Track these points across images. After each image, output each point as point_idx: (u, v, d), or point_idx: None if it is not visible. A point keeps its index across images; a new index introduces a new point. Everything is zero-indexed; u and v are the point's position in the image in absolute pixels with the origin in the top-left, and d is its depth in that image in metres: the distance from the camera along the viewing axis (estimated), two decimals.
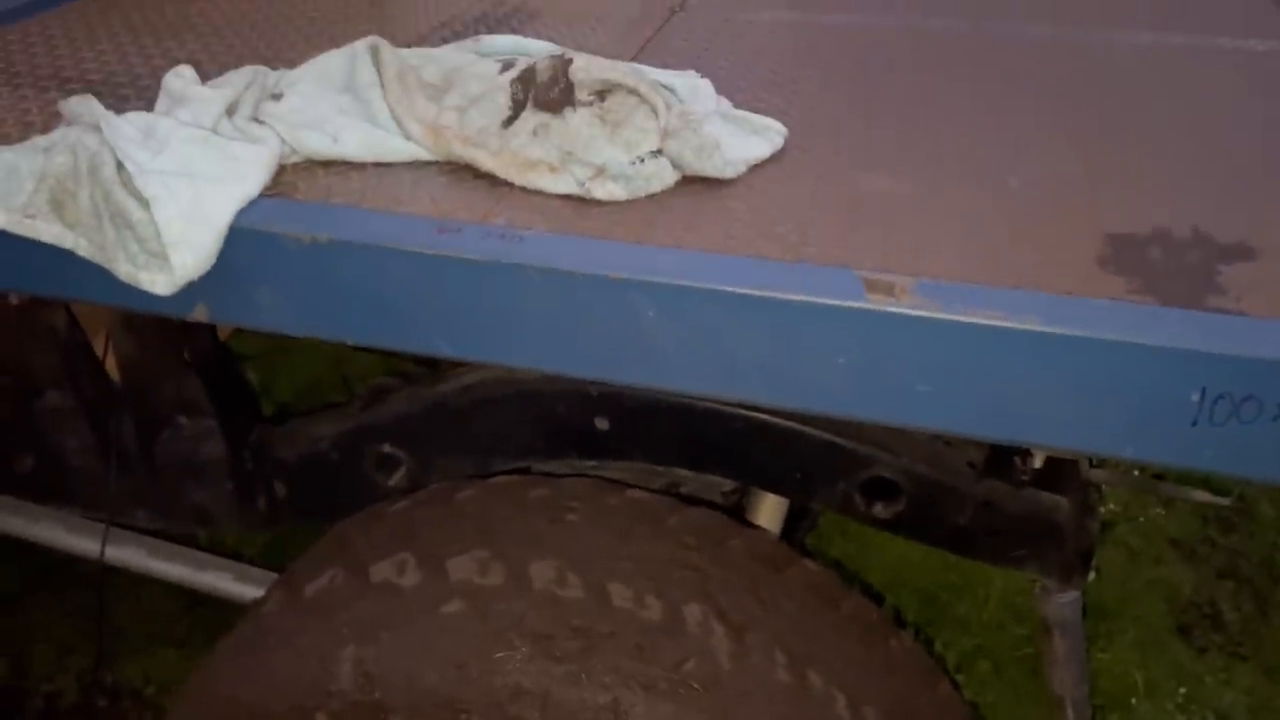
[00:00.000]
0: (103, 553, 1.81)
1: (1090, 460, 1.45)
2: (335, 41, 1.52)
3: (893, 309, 0.87)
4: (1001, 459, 1.40)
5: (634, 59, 1.51)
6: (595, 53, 1.50)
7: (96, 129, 1.03)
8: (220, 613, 2.34)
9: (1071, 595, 1.60)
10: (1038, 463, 1.38)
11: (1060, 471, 1.40)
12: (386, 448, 1.59)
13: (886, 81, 1.44)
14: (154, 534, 1.85)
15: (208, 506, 1.75)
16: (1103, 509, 1.51)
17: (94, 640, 2.27)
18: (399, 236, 0.98)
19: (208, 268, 0.98)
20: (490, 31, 1.62)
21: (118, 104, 1.31)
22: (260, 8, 1.68)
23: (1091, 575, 1.54)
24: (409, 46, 1.48)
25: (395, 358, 2.29)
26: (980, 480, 1.40)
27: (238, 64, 1.42)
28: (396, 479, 1.60)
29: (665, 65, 1.39)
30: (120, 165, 0.99)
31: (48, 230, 1.01)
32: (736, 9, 1.73)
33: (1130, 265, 0.97)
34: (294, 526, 1.87)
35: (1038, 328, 0.85)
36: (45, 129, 1.22)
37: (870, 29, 1.66)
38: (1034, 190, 1.11)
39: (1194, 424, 0.84)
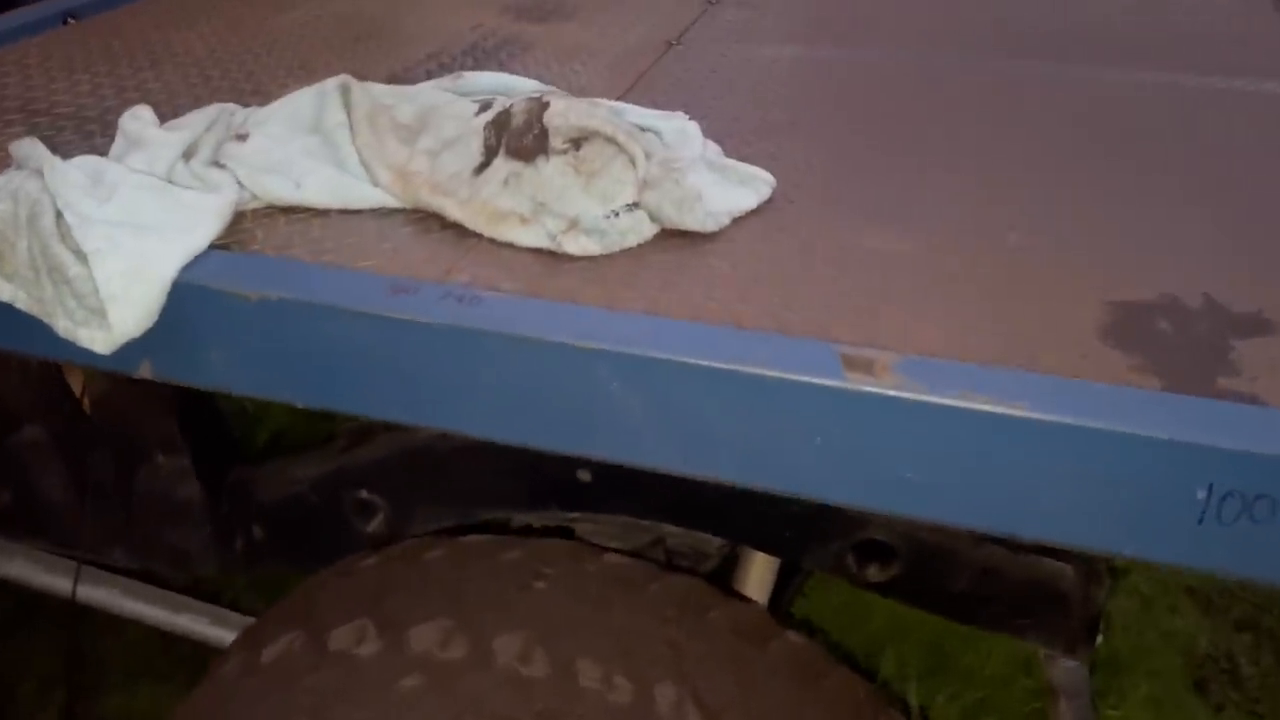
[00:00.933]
0: (74, 593, 1.76)
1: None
2: (316, 74, 1.47)
3: (872, 389, 0.81)
4: None
5: (625, 95, 1.45)
6: (586, 88, 1.45)
7: (40, 174, 0.98)
8: (205, 649, 2.30)
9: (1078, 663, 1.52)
10: None
11: None
12: (364, 494, 1.53)
13: (885, 125, 1.37)
14: (131, 574, 1.80)
15: (185, 547, 1.70)
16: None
17: (79, 674, 2.22)
18: (351, 296, 0.92)
19: (149, 325, 0.93)
20: (479, 65, 1.57)
21: (82, 139, 1.27)
22: (244, 38, 1.63)
23: (1099, 639, 1.46)
24: (394, 78, 1.44)
25: None
26: (980, 545, 1.33)
27: (215, 97, 1.38)
28: (375, 525, 1.54)
29: (655, 103, 1.33)
30: (60, 215, 0.94)
31: None
32: (733, 44, 1.67)
33: (1134, 337, 0.90)
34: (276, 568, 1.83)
35: (1029, 414, 0.78)
36: (2, 166, 1.17)
37: (872, 65, 1.59)
38: (1034, 248, 1.05)
39: (1200, 522, 0.77)
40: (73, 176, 0.98)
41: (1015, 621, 1.40)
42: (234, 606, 1.89)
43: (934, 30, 1.77)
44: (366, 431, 1.62)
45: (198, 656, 2.28)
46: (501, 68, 1.53)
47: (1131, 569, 2.61)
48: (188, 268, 0.95)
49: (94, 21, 1.68)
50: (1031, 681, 2.25)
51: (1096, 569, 1.39)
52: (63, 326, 0.94)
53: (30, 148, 1.02)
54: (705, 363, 0.84)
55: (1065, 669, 1.57)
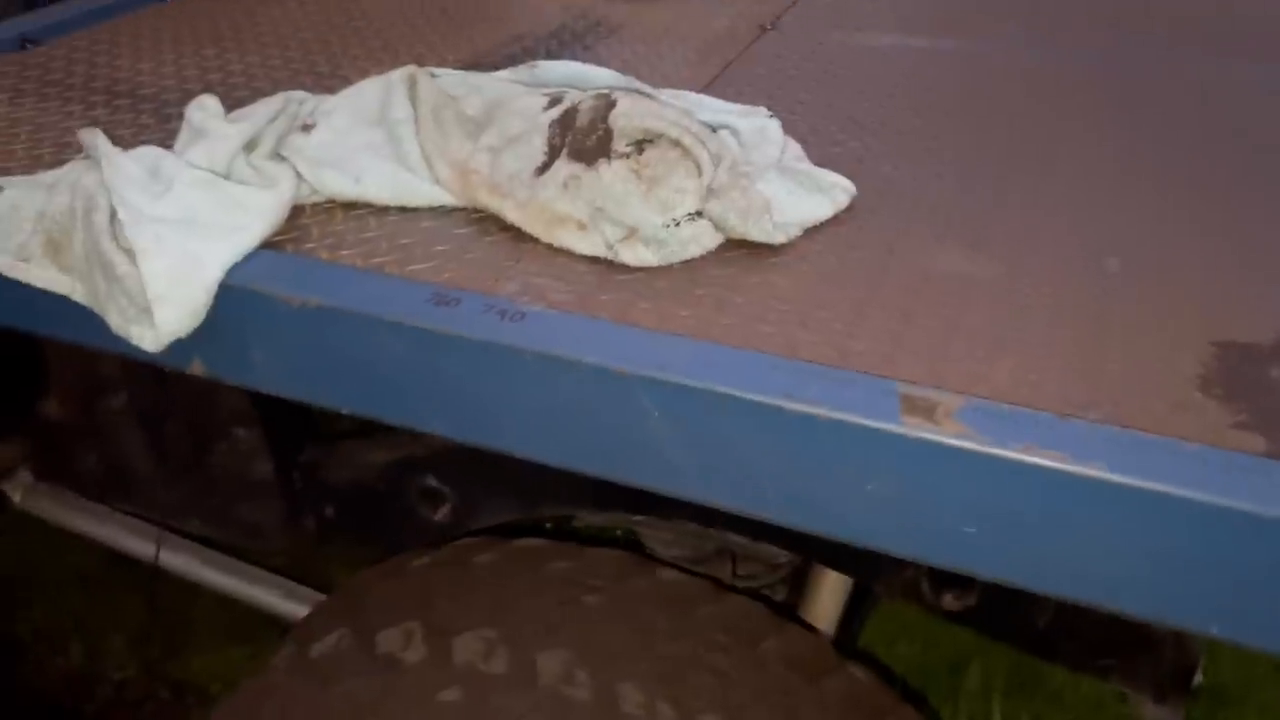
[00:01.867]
0: (157, 558, 1.80)
1: None
2: (399, 56, 1.45)
3: (931, 436, 0.74)
4: None
5: (711, 83, 1.38)
6: (671, 75, 1.39)
7: (99, 167, 0.97)
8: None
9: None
10: None
11: None
12: (432, 482, 1.52)
13: (982, 125, 1.28)
14: (209, 543, 1.84)
15: (257, 521, 1.73)
16: None
17: (166, 632, 2.30)
18: (392, 306, 0.89)
19: (195, 325, 0.92)
20: (564, 47, 1.52)
21: (160, 123, 1.27)
22: (329, 16, 1.62)
23: (1198, 680, 1.35)
24: (477, 59, 1.40)
25: None
26: None
27: (294, 80, 1.37)
28: (441, 514, 1.53)
29: (741, 94, 1.27)
30: (114, 211, 0.93)
31: (40, 275, 0.96)
32: (830, 31, 1.58)
33: (1240, 388, 0.80)
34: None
35: (1105, 475, 0.70)
36: (80, 149, 1.18)
37: (975, 57, 1.48)
38: (1134, 277, 0.95)
39: None
40: (129, 170, 0.97)
41: (1100, 662, 1.30)
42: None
43: (1045, 19, 1.64)
44: None
45: (280, 622, 2.34)
46: (587, 51, 1.48)
47: None
48: (236, 268, 0.93)
49: (184, 2, 1.69)
50: (1125, 708, 2.13)
51: None
52: (115, 322, 0.94)
53: (92, 138, 1.01)
54: (751, 396, 0.78)
55: (1158, 710, 1.47)
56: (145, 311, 0.92)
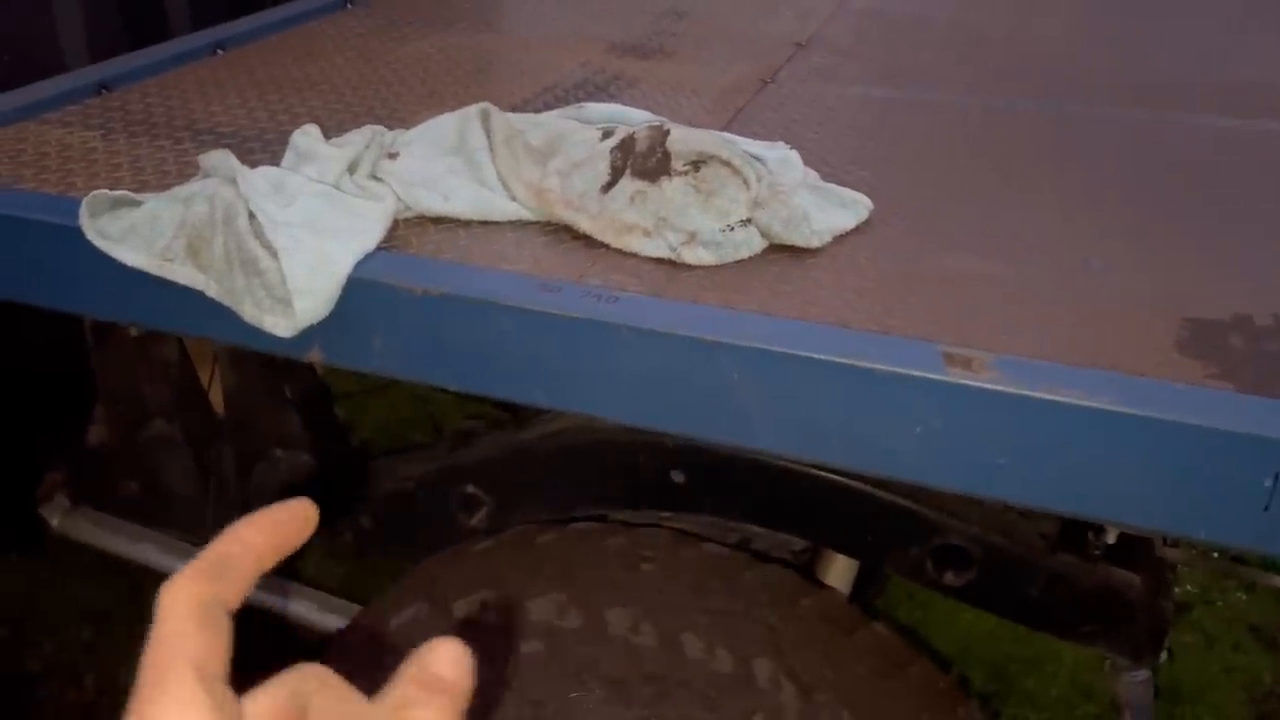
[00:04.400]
0: None
1: (1165, 539, 1.45)
2: (445, 102, 1.62)
3: (970, 382, 0.91)
4: (1074, 533, 1.41)
5: (725, 127, 1.57)
6: (689, 120, 1.58)
7: (232, 182, 1.12)
8: (304, 641, 2.43)
9: (1143, 674, 1.58)
10: (1111, 538, 1.39)
11: (1133, 549, 1.40)
12: (470, 489, 1.65)
13: (971, 160, 1.48)
14: None
15: None
16: (1179, 590, 1.50)
17: None
18: (504, 292, 1.04)
19: (326, 314, 1.06)
20: (590, 96, 1.70)
21: (243, 156, 1.41)
22: (375, 68, 1.79)
23: (1164, 656, 1.53)
24: (516, 107, 1.57)
25: (473, 403, 2.38)
26: (1052, 553, 1.41)
27: (356, 121, 1.52)
28: (477, 519, 1.66)
29: (755, 135, 1.45)
30: (252, 216, 1.08)
31: (182, 273, 1.10)
32: (824, 84, 1.79)
33: (1209, 350, 0.99)
34: (370, 563, 1.95)
35: (1113, 407, 0.88)
36: (180, 176, 1.32)
37: (956, 108, 1.70)
38: (1115, 273, 1.14)
39: (1266, 509, 0.86)
40: (259, 184, 1.12)
41: (1084, 628, 1.47)
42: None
43: (1013, 77, 1.87)
44: (469, 434, 1.75)
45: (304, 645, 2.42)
46: (613, 99, 1.67)
47: (1195, 604, 2.65)
48: (359, 265, 1.08)
49: (240, 52, 1.85)
50: (1093, 706, 2.30)
51: (1164, 580, 1.47)
52: (249, 313, 1.08)
53: (221, 159, 1.16)
54: (819, 356, 0.94)
55: (1130, 684, 1.63)
56: (280, 302, 1.07)
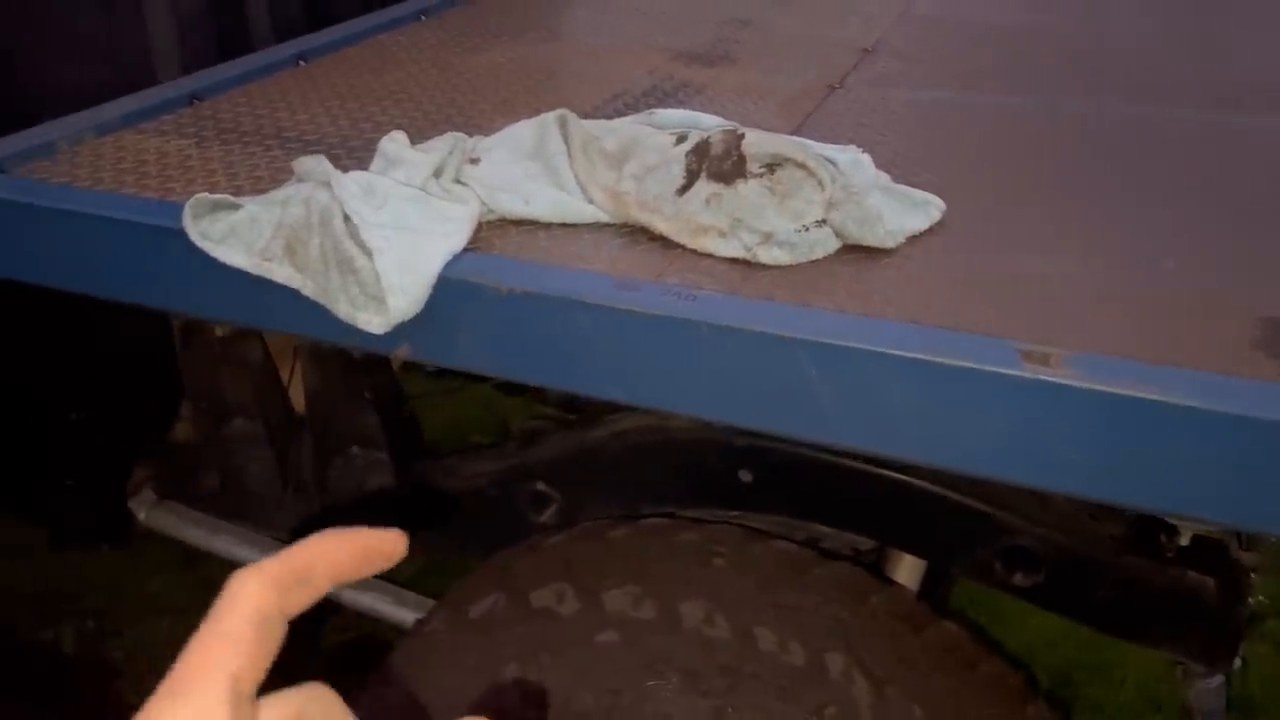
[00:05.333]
0: None
1: (1241, 541, 1.44)
2: (518, 110, 1.67)
3: (1047, 379, 0.93)
4: (1146, 535, 1.41)
5: (795, 131, 1.59)
6: (758, 125, 1.60)
7: (327, 185, 1.17)
8: (366, 635, 2.49)
9: (1216, 681, 1.57)
10: (1184, 540, 1.38)
11: (1208, 551, 1.39)
12: (540, 486, 1.69)
13: (1041, 162, 1.49)
14: None
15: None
16: (1253, 599, 1.50)
17: None
18: (585, 291, 1.08)
19: (417, 311, 1.10)
20: (658, 103, 1.74)
21: (330, 162, 1.47)
22: (448, 78, 1.84)
23: (1238, 664, 1.51)
24: (586, 115, 1.61)
25: (538, 404, 2.42)
26: (1123, 555, 1.41)
27: (434, 128, 1.57)
28: (547, 516, 1.70)
29: (824, 139, 1.47)
30: (347, 218, 1.13)
31: (281, 273, 1.15)
32: (891, 89, 1.81)
33: None
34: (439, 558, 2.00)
35: (1190, 403, 0.89)
36: (272, 181, 1.38)
37: (1022, 111, 1.71)
38: (1190, 274, 1.15)
39: None
40: (351, 187, 1.17)
41: (1156, 632, 1.46)
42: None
43: (1079, 79, 1.88)
44: (538, 432, 1.79)
45: (363, 644, 2.48)
46: (681, 105, 1.70)
47: (1269, 616, 2.60)
48: (446, 265, 1.13)
49: (320, 64, 1.92)
50: (1162, 717, 2.27)
51: (1239, 584, 1.46)
52: (344, 311, 1.13)
53: (316, 164, 1.22)
54: (897, 352, 0.97)
55: (1203, 691, 1.62)
56: (374, 300, 1.11)
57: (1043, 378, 0.93)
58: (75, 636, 2.53)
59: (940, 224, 1.26)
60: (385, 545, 0.48)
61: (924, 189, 1.33)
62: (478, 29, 2.17)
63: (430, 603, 1.90)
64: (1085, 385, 0.92)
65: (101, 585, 2.64)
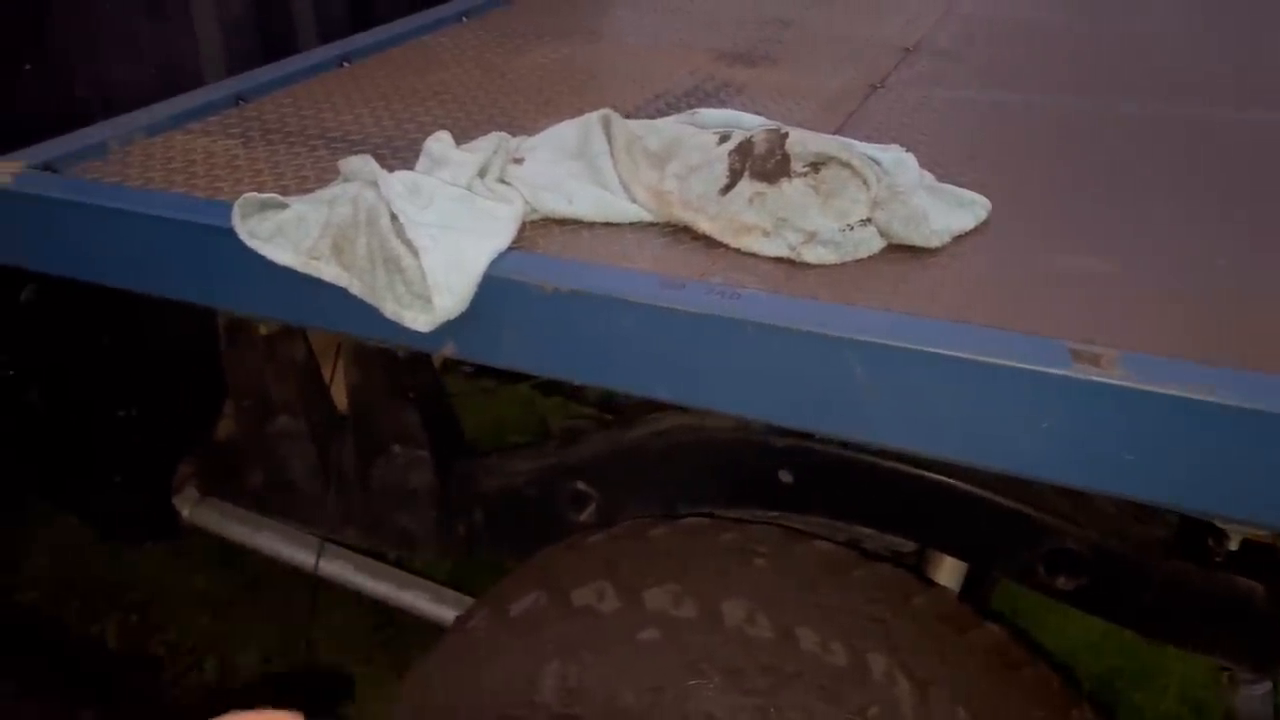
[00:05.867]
0: (317, 565, 1.98)
1: None
2: (561, 110, 1.67)
3: (1099, 379, 0.92)
4: (1193, 539, 1.39)
5: (837, 132, 1.59)
6: (801, 125, 1.60)
7: (373, 185, 1.19)
8: (404, 632, 2.51)
9: (1263, 687, 1.55)
10: (1233, 545, 1.36)
11: (1257, 556, 1.37)
12: (580, 485, 1.69)
13: (1087, 160, 1.48)
14: (361, 552, 2.02)
15: (412, 530, 1.90)
16: None
17: (293, 649, 2.46)
18: (630, 290, 1.08)
19: (463, 309, 1.11)
20: (700, 103, 1.74)
21: (376, 162, 1.49)
22: (492, 78, 1.85)
23: None
24: (628, 115, 1.62)
25: (576, 404, 2.43)
26: (1170, 559, 1.39)
27: (477, 129, 1.58)
28: (586, 515, 1.70)
29: (868, 138, 1.46)
30: (394, 217, 1.14)
31: (328, 271, 1.17)
32: (933, 88, 1.79)
33: None
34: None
35: (1244, 404, 0.87)
36: (317, 181, 1.40)
37: (1066, 110, 1.69)
38: (1242, 272, 1.13)
39: None
40: (398, 187, 1.18)
41: (1202, 637, 1.44)
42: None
43: (1122, 79, 1.86)
44: (578, 432, 1.80)
45: (400, 639, 2.50)
46: (723, 105, 1.70)
47: None
48: (493, 263, 1.13)
49: (364, 65, 1.94)
50: None
51: None
52: (390, 309, 1.14)
53: (362, 164, 1.23)
54: (947, 352, 0.96)
55: (1249, 697, 1.60)
56: (420, 298, 1.12)
57: (1094, 378, 0.92)
58: (120, 631, 2.57)
59: (986, 223, 1.25)
60: None
61: (969, 188, 1.32)
62: (520, 29, 2.18)
63: (468, 600, 1.92)
64: (1137, 386, 0.91)
65: (146, 581, 2.68)
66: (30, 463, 1.91)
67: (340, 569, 2.00)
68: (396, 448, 1.89)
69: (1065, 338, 0.98)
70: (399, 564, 2.10)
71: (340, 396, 1.91)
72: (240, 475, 2.01)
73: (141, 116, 1.62)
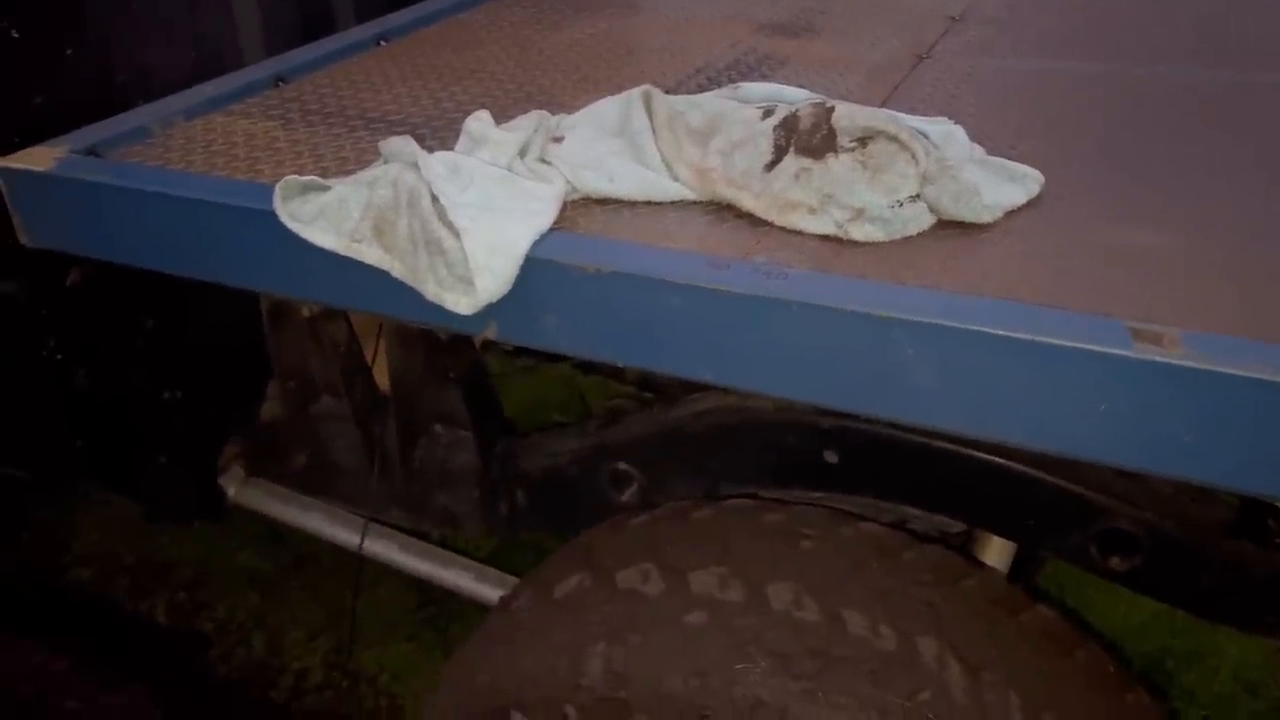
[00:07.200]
0: (361, 544, 1.99)
1: None
2: (599, 86, 1.65)
3: (1160, 359, 0.89)
4: (1253, 519, 1.35)
5: (883, 104, 1.55)
6: (846, 97, 1.57)
7: (414, 166, 1.17)
8: (446, 610, 2.53)
9: None
10: None
11: None
12: (622, 465, 1.68)
13: (1143, 132, 1.43)
14: (405, 531, 2.03)
15: (455, 510, 1.91)
16: None
17: (339, 627, 2.48)
18: (674, 270, 1.06)
19: (505, 291, 1.10)
20: (742, 77, 1.71)
21: (416, 142, 1.47)
22: (529, 55, 1.83)
23: None
24: (669, 90, 1.59)
25: (615, 384, 2.42)
26: (1228, 540, 1.36)
27: (516, 107, 1.57)
28: (628, 495, 1.69)
29: (914, 111, 1.43)
30: (435, 199, 1.12)
31: (370, 254, 1.16)
32: (981, 58, 1.75)
33: None
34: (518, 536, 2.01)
35: None
36: (357, 162, 1.39)
37: (1118, 78, 1.64)
38: None
39: None
40: (438, 168, 1.17)
41: (1261, 618, 1.41)
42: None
43: (1177, 45, 1.80)
44: (620, 412, 1.79)
45: (442, 617, 2.52)
46: (765, 79, 1.67)
47: None
48: (535, 245, 1.12)
49: (400, 44, 1.92)
50: (1260, 704, 2.20)
51: None
52: (432, 292, 1.13)
53: (402, 145, 1.22)
54: (1002, 332, 0.93)
55: None
56: (462, 280, 1.11)
57: (1156, 358, 0.89)
58: (169, 608, 2.61)
59: (1039, 197, 1.22)
60: None
61: (1020, 161, 1.28)
62: (556, 5, 2.15)
63: (511, 579, 1.93)
64: (1200, 365, 0.88)
65: (193, 559, 2.71)
66: (78, 444, 1.93)
67: (384, 548, 2.01)
68: (439, 428, 1.89)
69: (1122, 316, 0.95)
70: (443, 543, 2.11)
71: (382, 377, 1.91)
72: (285, 456, 2.02)
73: (182, 100, 1.62)
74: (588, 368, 2.47)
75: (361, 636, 2.51)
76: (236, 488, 2.08)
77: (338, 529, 2.04)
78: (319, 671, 2.44)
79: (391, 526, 2.02)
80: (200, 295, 1.49)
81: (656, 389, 2.11)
